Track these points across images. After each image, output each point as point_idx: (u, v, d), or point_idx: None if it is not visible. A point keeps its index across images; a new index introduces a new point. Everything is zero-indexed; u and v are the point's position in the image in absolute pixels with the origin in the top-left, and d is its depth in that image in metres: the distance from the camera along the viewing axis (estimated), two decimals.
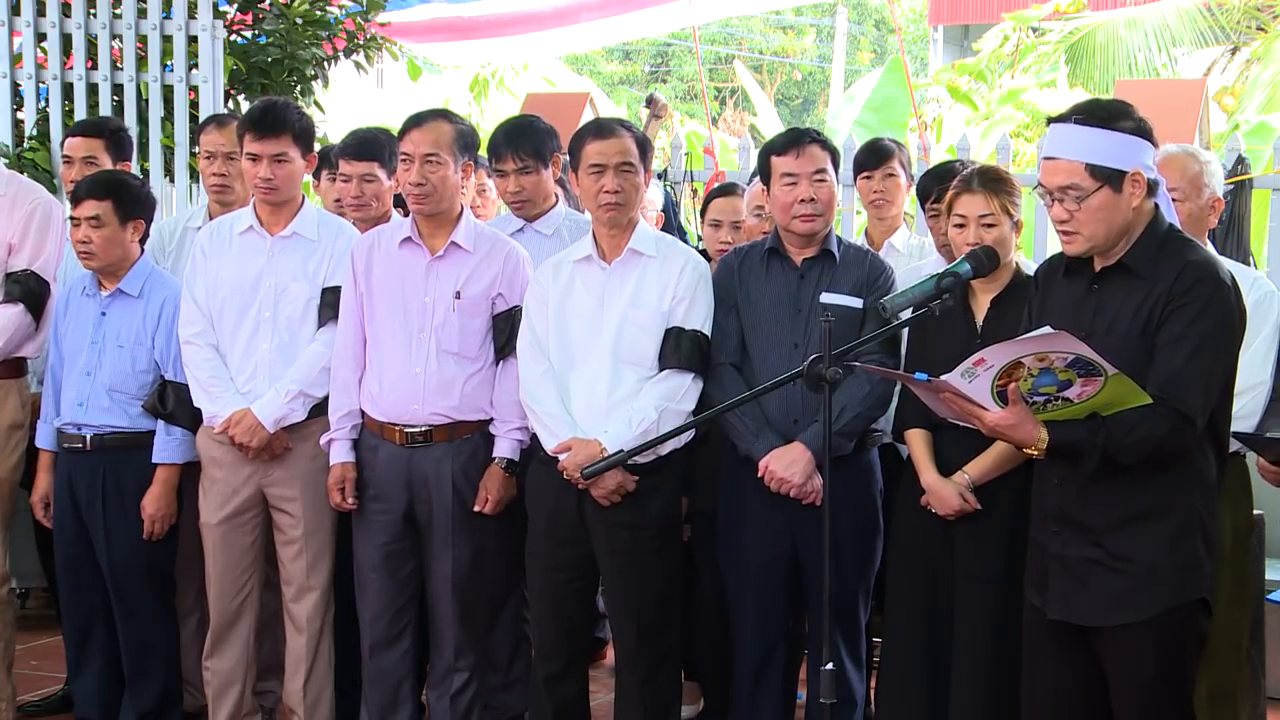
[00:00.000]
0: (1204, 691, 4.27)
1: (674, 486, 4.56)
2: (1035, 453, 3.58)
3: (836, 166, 4.64)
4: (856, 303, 4.53)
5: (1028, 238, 7.10)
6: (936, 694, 4.35)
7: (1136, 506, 3.58)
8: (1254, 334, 4.39)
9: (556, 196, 5.27)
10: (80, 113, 7.60)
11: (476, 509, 4.67)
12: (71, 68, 7.75)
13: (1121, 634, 3.60)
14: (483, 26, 13.87)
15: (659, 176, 7.79)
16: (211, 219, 5.24)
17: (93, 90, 7.74)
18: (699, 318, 4.54)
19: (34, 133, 7.80)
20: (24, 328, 5.22)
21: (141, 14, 7.70)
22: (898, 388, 4.44)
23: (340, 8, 8.49)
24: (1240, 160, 7.08)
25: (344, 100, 12.02)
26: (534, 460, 4.64)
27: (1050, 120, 3.70)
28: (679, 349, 4.49)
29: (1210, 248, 4.53)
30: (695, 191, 8.05)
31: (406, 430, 4.68)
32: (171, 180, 7.74)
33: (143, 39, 7.76)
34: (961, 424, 3.75)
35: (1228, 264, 4.04)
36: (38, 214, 5.30)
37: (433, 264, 4.69)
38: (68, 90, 7.74)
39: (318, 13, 8.27)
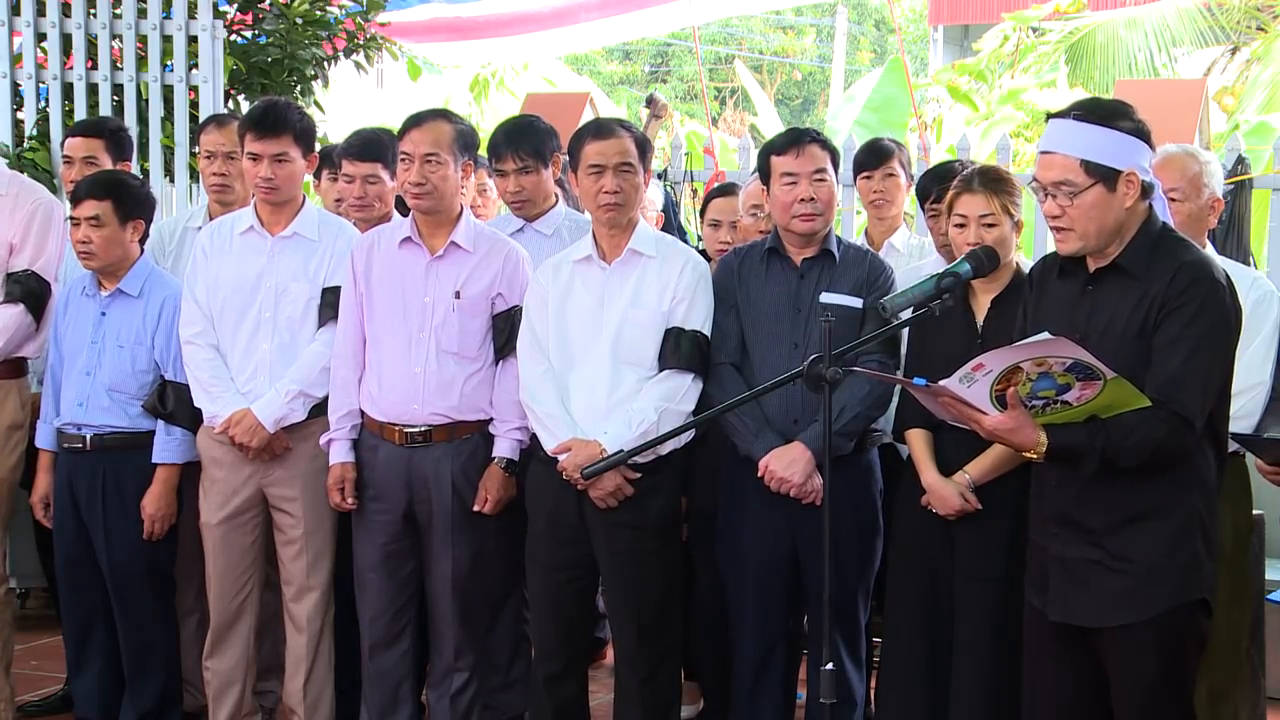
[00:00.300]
0: (1204, 691, 4.27)
1: (674, 486, 4.56)
2: (1035, 456, 3.58)
3: (836, 166, 4.64)
4: (856, 303, 4.53)
5: (1028, 238, 7.10)
6: (936, 694, 4.35)
7: (1136, 507, 3.58)
8: (1253, 334, 4.39)
9: (556, 196, 5.27)
10: (80, 113, 7.60)
11: (476, 509, 4.67)
12: (71, 68, 7.75)
13: (1122, 634, 3.59)
14: (482, 27, 13.87)
15: (659, 176, 7.79)
16: (212, 219, 5.24)
17: (93, 90, 7.74)
18: (699, 318, 4.54)
19: (34, 133, 7.80)
20: (24, 328, 5.22)
21: (141, 14, 7.70)
22: (898, 387, 4.44)
23: (340, 8, 8.48)
24: (1240, 160, 7.08)
25: (344, 100, 12.02)
26: (534, 460, 4.64)
27: (1050, 115, 3.70)
28: (679, 349, 4.49)
29: (1210, 248, 4.54)
30: (695, 191, 8.05)
31: (406, 430, 4.68)
32: (171, 180, 7.74)
33: (143, 39, 7.76)
34: (961, 426, 3.75)
35: (1224, 263, 4.05)
36: (39, 214, 5.30)
37: (432, 264, 4.69)
38: (68, 90, 7.74)
39: (318, 13, 8.27)
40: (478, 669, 4.84)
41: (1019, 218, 4.34)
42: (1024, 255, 4.77)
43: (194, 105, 7.65)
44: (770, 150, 4.66)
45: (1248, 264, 6.41)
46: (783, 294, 4.57)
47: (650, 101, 8.92)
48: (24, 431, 5.26)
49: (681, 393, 4.48)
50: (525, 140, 5.10)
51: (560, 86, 16.37)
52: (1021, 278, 4.28)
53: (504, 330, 4.68)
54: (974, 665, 4.25)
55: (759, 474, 4.46)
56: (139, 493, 4.95)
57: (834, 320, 3.71)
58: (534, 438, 4.61)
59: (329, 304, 4.82)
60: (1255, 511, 4.68)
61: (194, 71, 7.64)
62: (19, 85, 7.82)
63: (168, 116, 7.74)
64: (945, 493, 4.27)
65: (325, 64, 8.39)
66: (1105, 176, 3.55)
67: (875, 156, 5.80)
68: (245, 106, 7.78)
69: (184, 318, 4.90)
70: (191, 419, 4.91)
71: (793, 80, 32.03)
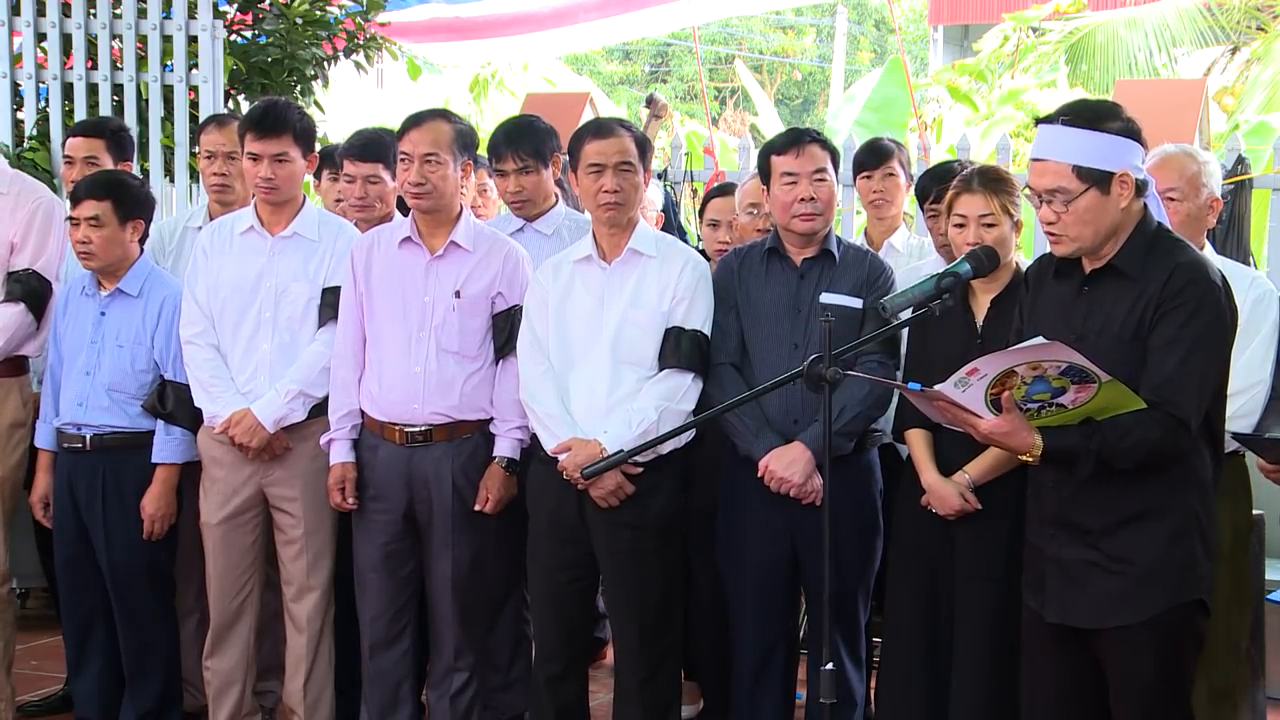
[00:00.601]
0: (1204, 691, 4.27)
1: (674, 486, 4.56)
2: (1030, 459, 3.58)
3: (836, 166, 4.64)
4: (856, 303, 4.53)
5: (1027, 238, 7.10)
6: (936, 694, 4.34)
7: (1133, 508, 3.58)
8: (1253, 333, 4.39)
9: (556, 196, 5.27)
10: (80, 113, 7.61)
11: (477, 508, 4.67)
12: (71, 68, 7.75)
13: (1119, 635, 3.59)
14: (481, 27, 13.87)
15: (659, 176, 7.79)
16: (212, 219, 5.24)
17: (93, 90, 7.74)
18: (699, 318, 4.54)
19: (34, 133, 7.80)
20: (25, 327, 5.23)
21: (141, 14, 7.70)
22: None
23: (340, 8, 8.49)
24: (1240, 160, 7.08)
25: (344, 100, 12.02)
26: (534, 460, 4.65)
27: (1038, 121, 3.69)
28: (679, 349, 4.49)
29: (1209, 248, 4.54)
30: (695, 191, 8.05)
31: (406, 430, 4.68)
32: (171, 180, 7.74)
33: (143, 39, 7.76)
34: (958, 429, 3.75)
35: (1223, 263, 4.05)
36: (40, 213, 5.30)
37: (432, 263, 4.69)
38: (68, 90, 7.74)
39: (318, 13, 8.27)
40: (478, 669, 4.84)
41: (1018, 218, 4.34)
42: (1024, 255, 4.78)
43: (194, 105, 7.65)
44: (770, 150, 4.66)
45: (1247, 264, 6.41)
46: (783, 294, 4.57)
47: (650, 101, 8.92)
48: (26, 430, 5.26)
49: (681, 392, 4.48)
50: (525, 140, 5.10)
51: (560, 86, 16.37)
52: (1020, 278, 4.28)
53: (504, 329, 4.68)
54: (973, 665, 4.25)
55: (759, 474, 4.46)
56: (139, 493, 4.95)
57: (834, 320, 3.71)
58: (534, 437, 4.61)
59: (329, 304, 4.82)
60: (1255, 511, 4.68)
61: (194, 71, 7.65)
62: (19, 85, 7.83)
63: (168, 116, 7.74)
64: (945, 493, 4.27)
65: (325, 64, 8.40)
66: (1098, 180, 3.55)
67: (875, 156, 5.80)
68: (245, 106, 7.79)
69: (184, 317, 4.90)
70: (191, 419, 4.91)
71: (793, 80, 32.03)
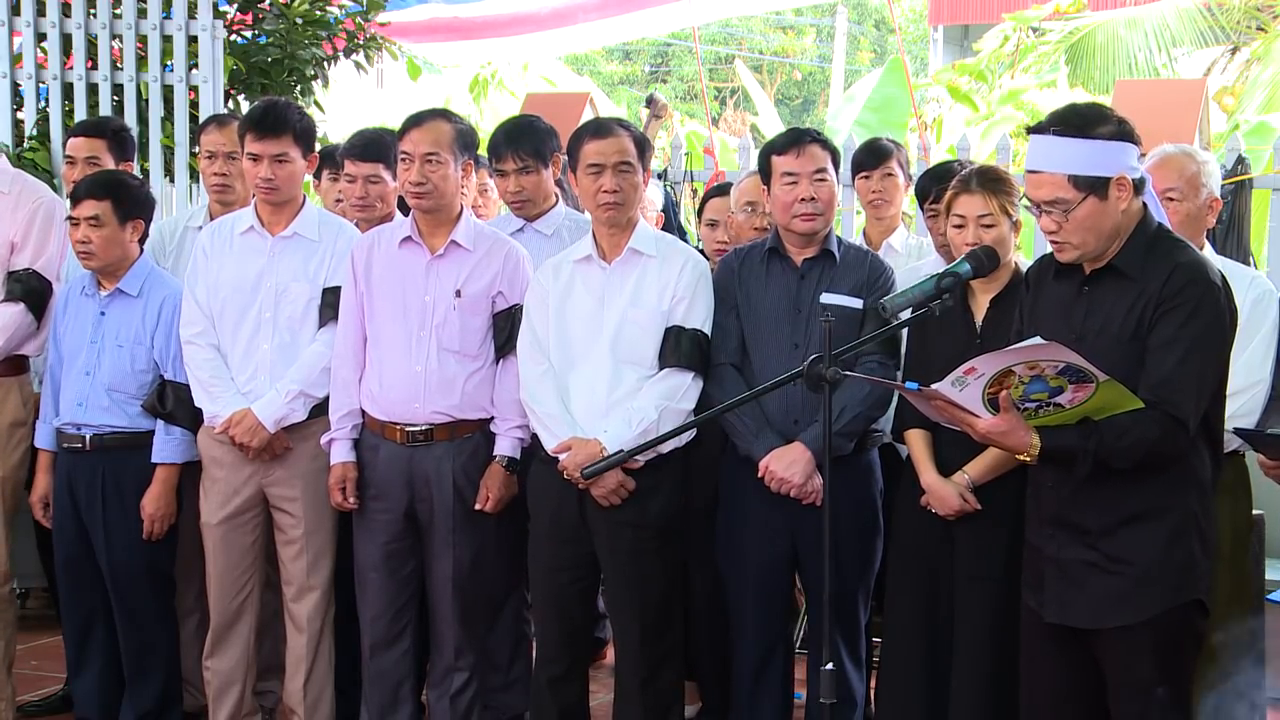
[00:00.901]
0: (1203, 691, 4.27)
1: (675, 485, 4.56)
2: (1028, 459, 3.58)
3: (837, 166, 4.65)
4: (856, 303, 4.53)
5: (1027, 238, 7.10)
6: (936, 694, 4.34)
7: (1131, 508, 3.58)
8: (1252, 333, 4.39)
9: (556, 197, 5.27)
10: (80, 113, 7.61)
11: (478, 508, 4.67)
12: (71, 68, 7.75)
13: (1119, 635, 3.60)
14: (481, 27, 13.87)
15: (659, 176, 7.79)
16: (212, 219, 5.25)
17: (93, 90, 7.75)
18: (699, 317, 4.55)
19: (34, 133, 7.81)
20: (25, 326, 5.23)
21: (141, 14, 7.70)
22: None
23: (340, 8, 8.49)
24: (1240, 160, 7.08)
25: (344, 100, 12.03)
26: (535, 460, 4.65)
27: (1029, 130, 3.69)
28: (679, 348, 4.50)
29: (1209, 248, 4.54)
30: (695, 191, 8.06)
31: (407, 429, 4.68)
32: (171, 180, 7.74)
33: (143, 39, 7.76)
34: (956, 428, 3.75)
35: (1223, 263, 4.04)
36: (40, 213, 5.30)
37: (433, 263, 4.69)
38: (68, 90, 7.74)
39: (318, 13, 8.27)
40: (478, 669, 4.84)
41: (1017, 218, 4.34)
42: (1023, 255, 4.78)
43: (194, 105, 7.65)
44: (771, 150, 4.66)
45: (1247, 264, 6.41)
46: (783, 294, 4.58)
47: (650, 101, 8.92)
48: (26, 429, 5.26)
49: (682, 391, 4.48)
50: (525, 140, 5.10)
51: (560, 86, 16.38)
52: (1020, 278, 4.28)
53: (504, 329, 4.68)
54: (973, 665, 4.25)
55: (759, 474, 4.46)
56: (139, 493, 4.95)
57: (834, 320, 3.71)
58: (535, 437, 4.61)
59: (329, 304, 4.82)
60: (1255, 511, 4.68)
61: (194, 71, 7.65)
62: (19, 85, 7.83)
63: (168, 116, 7.74)
64: (944, 493, 4.28)
65: (325, 64, 8.40)
66: (1095, 186, 3.54)
67: (873, 156, 5.81)
68: (245, 106, 7.79)
69: (184, 317, 4.90)
70: (191, 419, 4.91)
71: (793, 80, 32.02)
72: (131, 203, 5.00)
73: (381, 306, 4.71)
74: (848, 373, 3.72)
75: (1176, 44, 15.14)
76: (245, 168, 4.90)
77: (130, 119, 7.51)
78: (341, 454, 4.74)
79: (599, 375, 4.51)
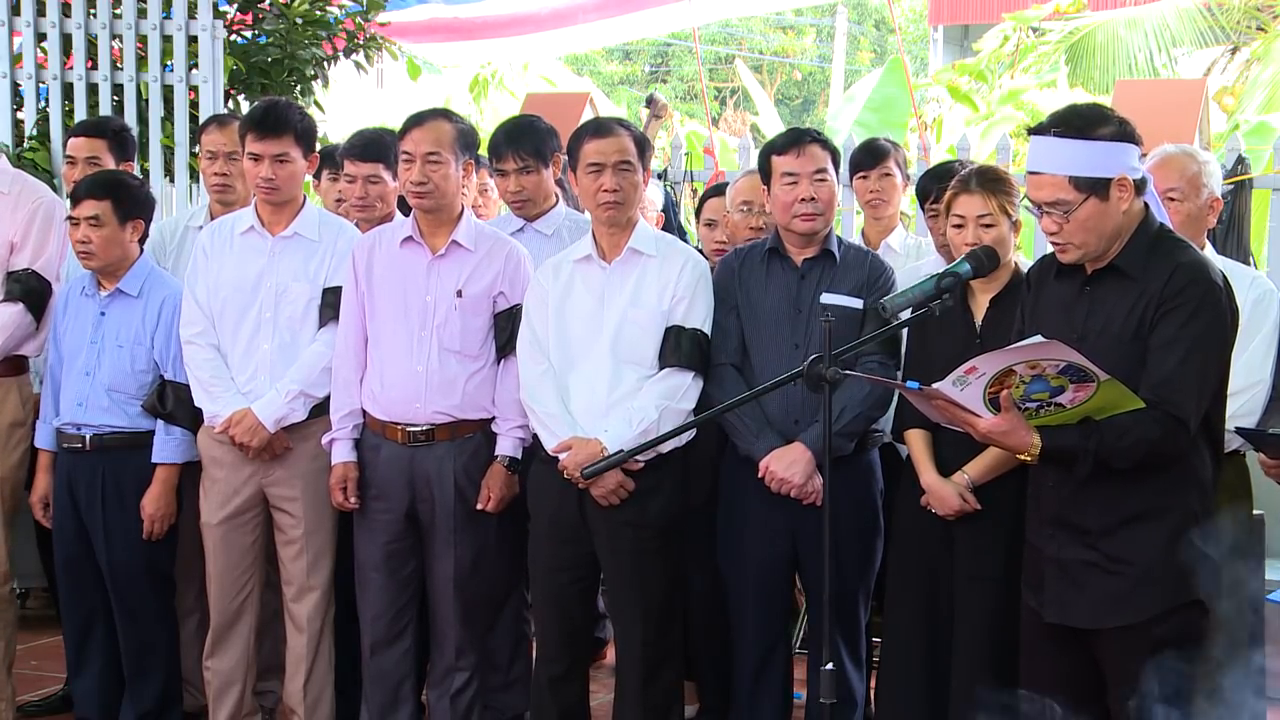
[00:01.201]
0: (1203, 692, 4.27)
1: (675, 484, 4.56)
2: (1028, 458, 3.58)
3: (837, 166, 4.65)
4: (857, 303, 4.53)
5: (1027, 238, 7.10)
6: (936, 694, 4.35)
7: (1132, 508, 3.58)
8: (1253, 333, 4.39)
9: (557, 196, 5.27)
10: (80, 113, 7.60)
11: (479, 507, 4.67)
12: (71, 68, 7.75)
13: (1119, 636, 3.59)
14: (480, 28, 13.87)
15: (659, 176, 7.79)
16: (213, 219, 5.25)
17: (93, 90, 7.74)
18: (699, 317, 4.54)
19: (34, 133, 7.80)
20: (24, 326, 5.23)
21: (141, 14, 7.70)
22: None
23: (340, 8, 8.49)
24: (1240, 160, 7.08)
25: (344, 100, 12.03)
26: (535, 460, 4.65)
27: (1030, 131, 3.69)
28: (679, 348, 4.50)
29: (1210, 248, 4.54)
30: (695, 191, 8.05)
31: (409, 429, 4.68)
32: (171, 180, 7.74)
33: (143, 39, 7.76)
34: (956, 428, 3.75)
35: (1223, 263, 4.04)
36: (40, 213, 5.30)
37: (434, 263, 4.69)
38: (68, 90, 7.74)
39: (318, 13, 8.27)
40: (478, 669, 4.84)
41: (1017, 218, 4.34)
42: (1023, 255, 4.78)
43: (194, 105, 7.65)
44: (771, 150, 4.66)
45: (1247, 264, 6.41)
46: (783, 294, 4.58)
47: (650, 101, 8.92)
48: (26, 429, 5.26)
49: (682, 391, 4.48)
50: (526, 140, 5.10)
51: (560, 86, 16.38)
52: (1020, 277, 4.28)
53: (506, 329, 4.68)
54: (973, 665, 4.25)
55: (759, 475, 4.46)
56: (139, 493, 4.95)
57: (834, 321, 3.71)
58: (535, 437, 4.61)
59: (329, 304, 4.82)
60: (1255, 511, 4.68)
61: (194, 71, 7.64)
62: (19, 85, 7.83)
63: (168, 116, 7.74)
64: (944, 493, 4.28)
65: (325, 64, 8.40)
66: (1096, 187, 3.54)
67: (871, 156, 5.81)
68: (245, 106, 7.79)
69: (184, 317, 4.90)
70: (191, 419, 4.91)
71: (793, 80, 32.02)
72: (131, 203, 5.00)
73: (383, 306, 4.71)
74: (849, 372, 3.72)
75: (1176, 44, 15.14)
76: (246, 168, 4.90)
77: (130, 119, 7.51)
78: (343, 454, 4.74)
79: (599, 375, 4.51)
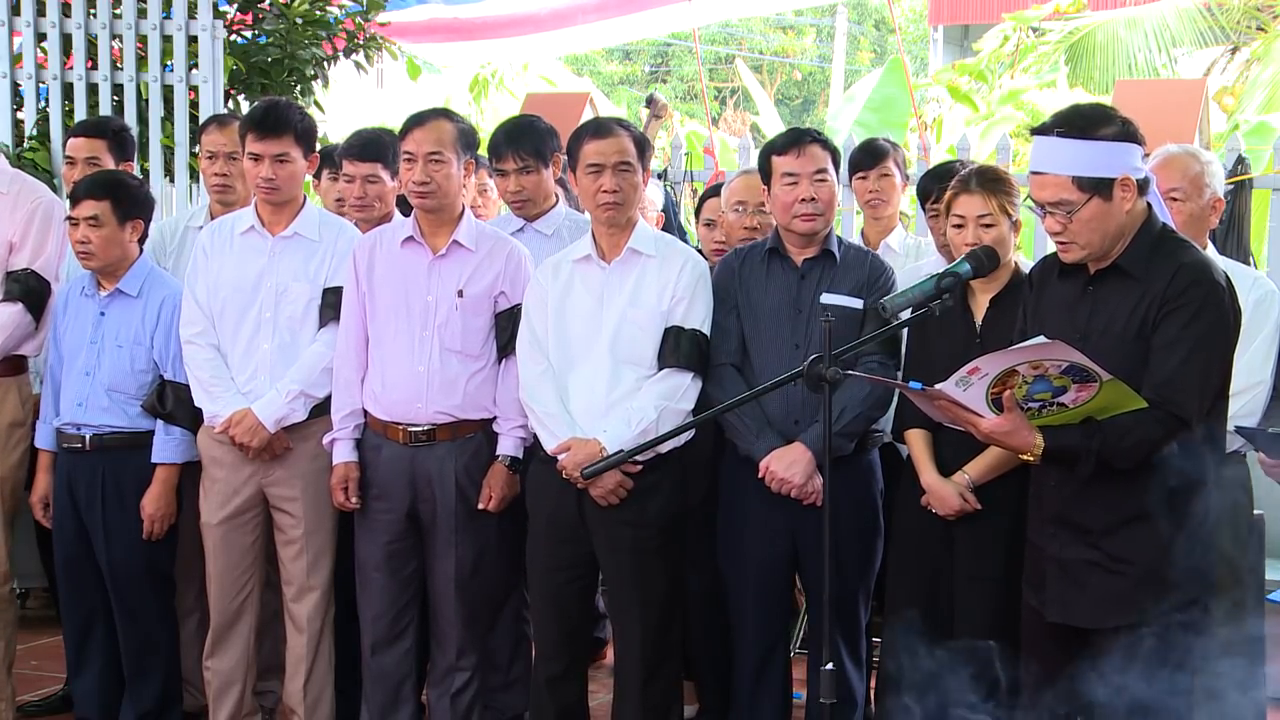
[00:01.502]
0: (1203, 692, 4.26)
1: (674, 484, 4.56)
2: (1031, 458, 3.58)
3: (837, 166, 4.65)
4: (857, 303, 4.53)
5: (1027, 238, 7.10)
6: None
7: (1133, 508, 3.58)
8: (1254, 333, 4.39)
9: (557, 196, 5.27)
10: (80, 113, 7.61)
11: (480, 507, 4.67)
12: (71, 68, 7.75)
13: (1119, 635, 3.59)
14: (480, 28, 13.87)
15: (659, 176, 7.79)
16: (212, 219, 5.24)
17: (93, 90, 7.75)
18: (698, 317, 4.54)
19: (34, 133, 7.81)
20: (23, 326, 5.22)
21: (141, 14, 7.71)
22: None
23: (340, 8, 8.49)
24: (1240, 160, 7.08)
25: (344, 100, 12.02)
26: (534, 460, 4.65)
27: (1033, 131, 3.69)
28: (678, 348, 4.49)
29: (1211, 248, 4.54)
30: (695, 191, 8.05)
31: (410, 429, 4.68)
32: (171, 180, 7.74)
33: (143, 39, 7.76)
34: (959, 428, 3.75)
35: (1225, 264, 4.04)
36: (39, 213, 5.30)
37: (435, 263, 4.69)
38: (68, 90, 7.74)
39: (318, 13, 8.27)
40: (479, 668, 4.84)
41: (1017, 218, 4.34)
42: (1023, 255, 4.77)
43: (194, 105, 7.65)
44: (771, 150, 4.66)
45: (1248, 264, 6.41)
46: (783, 294, 4.58)
47: (650, 101, 8.92)
48: (25, 429, 5.26)
49: (681, 391, 4.48)
50: (526, 140, 5.10)
51: (560, 86, 16.39)
52: (1020, 277, 4.28)
53: (507, 328, 4.68)
54: None
55: (760, 475, 4.46)
56: (138, 493, 4.95)
57: (834, 321, 3.71)
58: (534, 437, 4.61)
59: (330, 304, 4.82)
60: (1255, 511, 4.68)
61: (194, 71, 7.65)
62: (19, 85, 7.83)
63: (168, 116, 7.74)
64: (945, 493, 4.28)
65: (325, 64, 8.40)
66: (1099, 188, 3.54)
67: (870, 156, 5.81)
68: (245, 106, 7.79)
69: (184, 317, 4.90)
70: (191, 419, 4.91)
71: (793, 80, 32.02)
72: (131, 203, 5.00)
73: (384, 306, 4.71)
74: (850, 371, 3.72)
75: (1176, 44, 15.15)
76: (246, 168, 4.90)
77: (130, 119, 7.51)
78: (344, 454, 4.74)
79: (598, 375, 4.51)
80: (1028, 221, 4.52)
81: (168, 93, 7.74)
